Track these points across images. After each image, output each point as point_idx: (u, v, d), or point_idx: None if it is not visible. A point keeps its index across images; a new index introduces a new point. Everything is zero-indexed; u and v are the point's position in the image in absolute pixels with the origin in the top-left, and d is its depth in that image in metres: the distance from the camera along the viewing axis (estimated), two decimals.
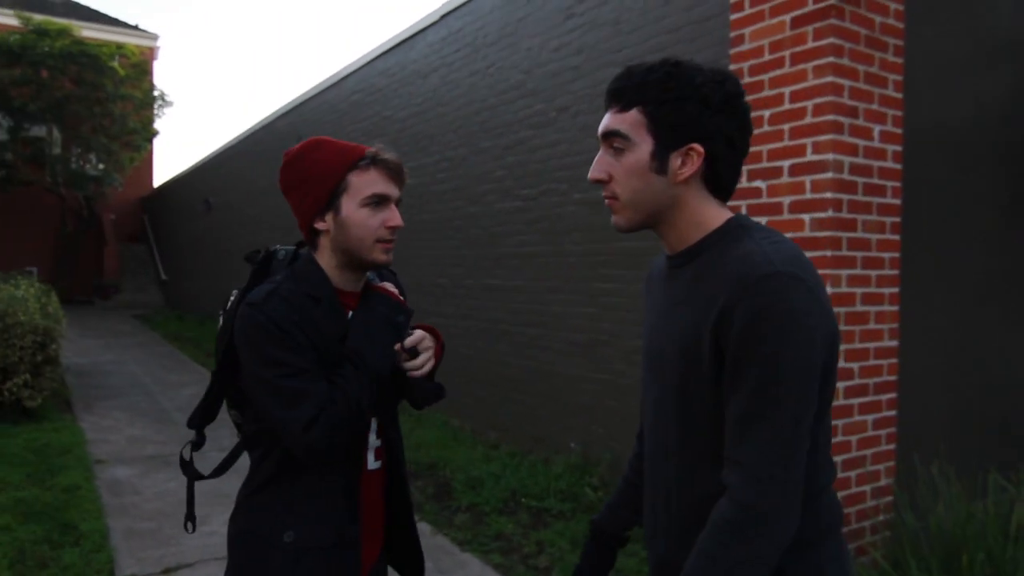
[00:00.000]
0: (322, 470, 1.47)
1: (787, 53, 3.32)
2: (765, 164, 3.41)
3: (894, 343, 3.45)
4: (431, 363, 1.52)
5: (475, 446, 5.61)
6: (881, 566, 2.74)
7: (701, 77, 1.16)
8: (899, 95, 3.42)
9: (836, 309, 3.17)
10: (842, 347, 3.23)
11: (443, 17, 6.44)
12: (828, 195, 3.18)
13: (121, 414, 7.05)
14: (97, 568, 3.49)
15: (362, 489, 1.54)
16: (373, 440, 1.57)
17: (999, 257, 3.92)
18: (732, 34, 3.57)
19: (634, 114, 1.17)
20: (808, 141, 3.24)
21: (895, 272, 3.45)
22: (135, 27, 23.47)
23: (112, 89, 18.18)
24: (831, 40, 3.15)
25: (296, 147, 1.51)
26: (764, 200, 3.42)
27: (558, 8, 5.03)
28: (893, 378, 3.45)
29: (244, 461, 1.59)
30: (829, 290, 3.15)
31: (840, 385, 3.22)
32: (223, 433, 2.24)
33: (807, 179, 3.25)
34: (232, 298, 1.56)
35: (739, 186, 3.65)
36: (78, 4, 23.73)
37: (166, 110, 22.41)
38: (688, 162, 1.16)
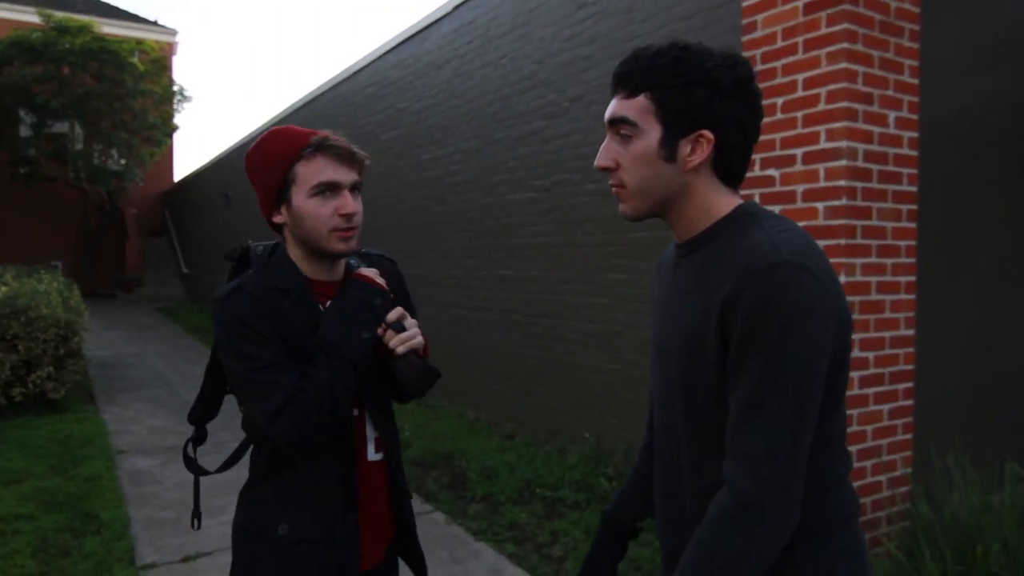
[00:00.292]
0: (315, 462, 1.46)
1: (800, 40, 3.28)
2: (778, 152, 3.37)
3: (910, 332, 3.41)
4: (418, 339, 1.46)
5: (490, 436, 5.64)
6: (895, 557, 2.72)
7: (711, 61, 1.12)
8: (915, 81, 3.36)
9: (850, 298, 3.14)
10: (857, 336, 3.20)
11: (456, 8, 6.43)
12: (842, 183, 3.14)
13: (142, 405, 7.16)
14: (117, 556, 3.56)
15: (363, 480, 1.52)
16: (371, 431, 1.55)
17: (1016, 245, 3.86)
18: (744, 21, 3.53)
19: (641, 100, 1.14)
20: (822, 128, 3.20)
21: (911, 260, 3.40)
22: (154, 23, 23.67)
23: (132, 85, 18.37)
24: (845, 26, 3.11)
25: (257, 140, 1.50)
26: (777, 189, 3.39)
27: None
28: (910, 367, 3.41)
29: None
30: (843, 279, 3.11)
31: (855, 375, 3.19)
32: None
33: (821, 167, 3.21)
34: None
35: (752, 174, 3.63)
36: (98, 1, 23.97)
37: (185, 105, 22.64)
38: (698, 149, 1.13)
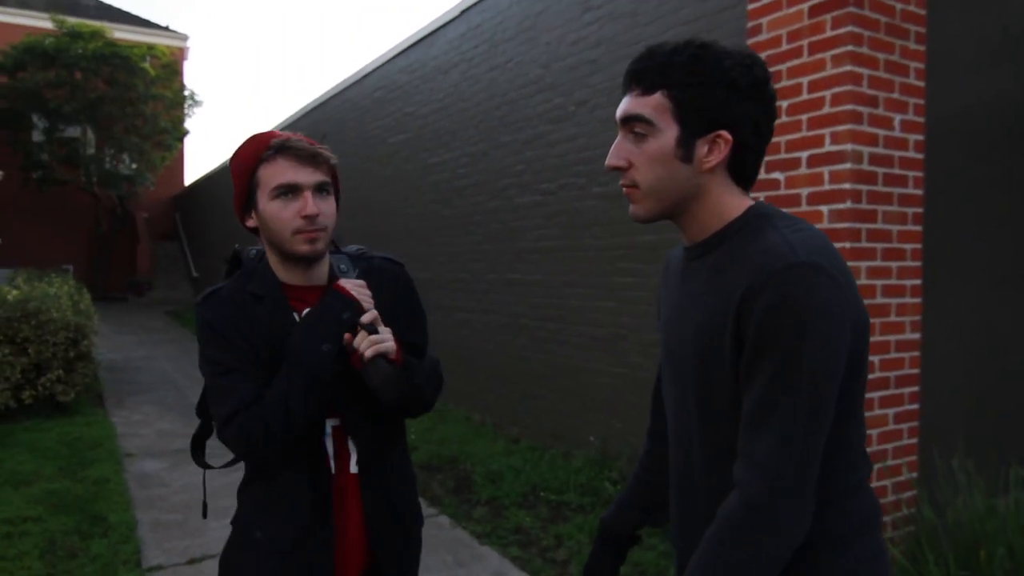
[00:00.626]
0: (289, 471, 1.44)
1: (805, 42, 3.27)
2: (783, 155, 3.36)
3: (916, 336, 3.39)
4: (388, 344, 1.39)
5: (496, 440, 5.64)
6: (899, 562, 2.70)
7: (729, 60, 1.09)
8: (921, 83, 3.35)
9: None
10: None
11: (463, 12, 6.45)
12: (847, 186, 3.13)
13: (151, 408, 7.20)
14: (124, 559, 3.58)
15: (343, 494, 1.48)
16: (352, 444, 1.50)
17: (1022, 245, 3.83)
18: (749, 24, 3.53)
19: (658, 98, 1.10)
20: (826, 131, 3.19)
21: (917, 264, 3.38)
22: (166, 28, 23.86)
23: (144, 89, 18.53)
24: (849, 28, 3.10)
25: None
26: (782, 192, 3.38)
27: (576, 1, 5.01)
28: (915, 371, 3.39)
29: None
30: None
31: None
32: None
33: (825, 170, 3.20)
34: None
35: (757, 177, 3.62)
36: (110, 6, 24.19)
37: (196, 109, 22.78)
38: (715, 149, 1.11)
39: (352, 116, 9.10)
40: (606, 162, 1.17)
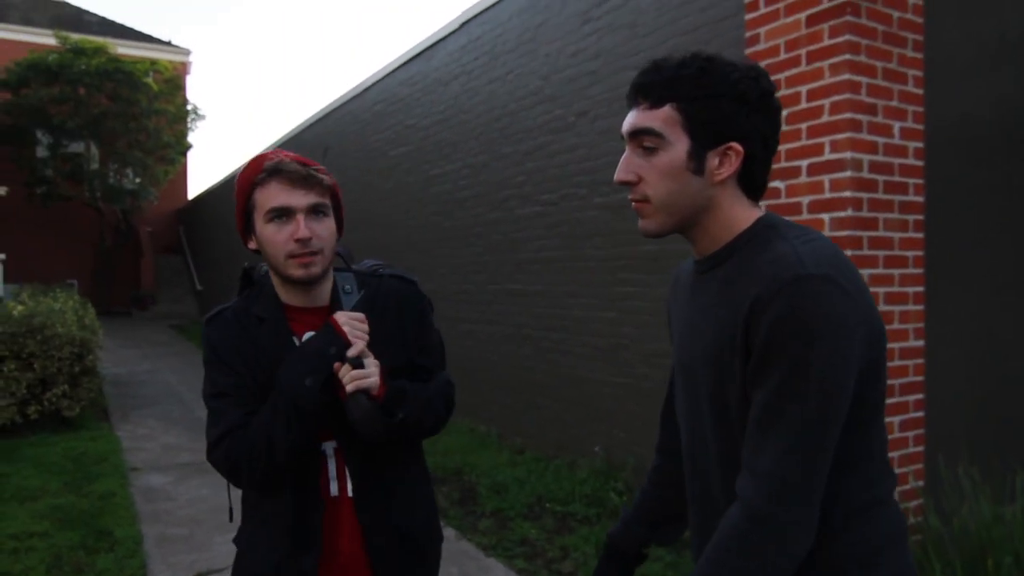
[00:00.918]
0: (275, 495, 1.45)
1: (803, 52, 3.29)
2: (783, 164, 3.37)
3: (920, 343, 3.39)
4: (372, 379, 1.37)
5: (500, 451, 5.63)
6: None
7: (737, 73, 1.10)
8: (919, 91, 3.36)
9: None
10: None
11: (463, 25, 6.49)
12: (847, 194, 3.14)
13: (156, 423, 7.21)
14: (130, 573, 3.58)
15: (339, 516, 1.47)
16: (349, 467, 1.48)
17: (1022, 250, 3.83)
18: (747, 34, 3.55)
19: (667, 111, 1.09)
20: (826, 140, 3.21)
21: (919, 271, 3.39)
22: (168, 43, 24.00)
23: (147, 104, 18.64)
24: (847, 37, 3.11)
25: None
26: (783, 200, 3.39)
27: (575, 13, 5.04)
28: (920, 379, 3.39)
29: None
30: None
31: None
32: None
33: (826, 178, 3.21)
34: None
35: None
36: (113, 22, 24.35)
37: (199, 123, 22.88)
38: (726, 162, 1.10)
39: (353, 129, 9.14)
40: (615, 177, 1.15)
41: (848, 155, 3.12)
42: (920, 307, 3.39)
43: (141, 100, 18.49)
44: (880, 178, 3.22)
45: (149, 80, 18.60)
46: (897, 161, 3.28)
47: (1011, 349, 3.79)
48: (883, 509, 1.10)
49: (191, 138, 21.45)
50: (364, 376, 1.37)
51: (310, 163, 1.44)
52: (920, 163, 3.37)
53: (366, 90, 8.70)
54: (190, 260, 22.20)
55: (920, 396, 3.39)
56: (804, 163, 3.29)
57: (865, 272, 3.19)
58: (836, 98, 3.16)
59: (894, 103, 3.26)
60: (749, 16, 3.54)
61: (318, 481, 1.46)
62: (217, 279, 18.21)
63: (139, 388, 9.24)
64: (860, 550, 1.07)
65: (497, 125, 5.99)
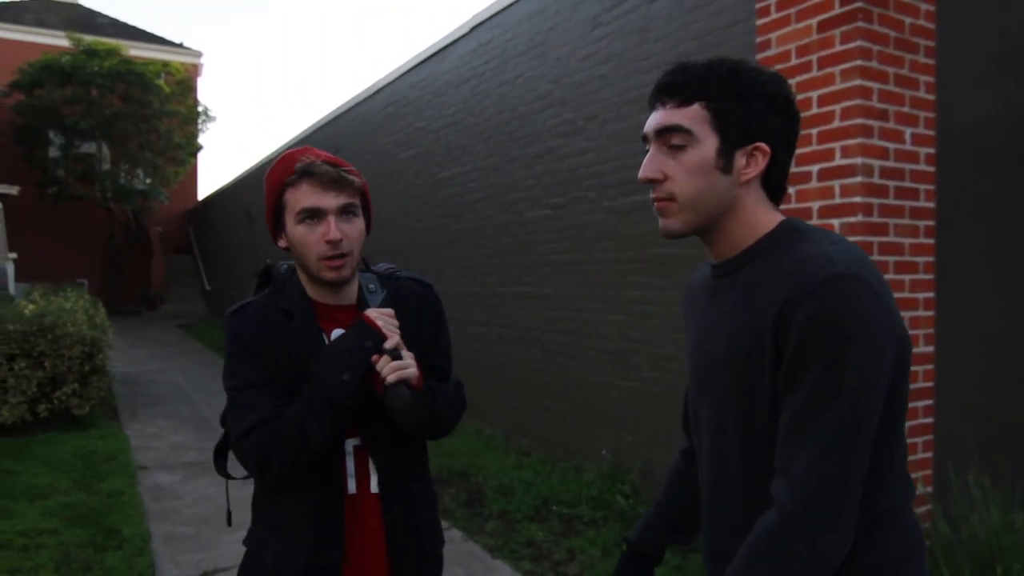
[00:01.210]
0: (298, 493, 1.44)
1: (814, 57, 3.29)
2: (794, 169, 3.34)
3: (930, 349, 3.38)
4: (411, 370, 1.40)
5: (507, 453, 5.64)
6: None
7: (764, 76, 1.12)
8: (931, 97, 3.36)
9: None
10: None
11: (473, 29, 6.51)
12: (858, 199, 3.13)
13: (165, 421, 7.24)
14: (139, 571, 3.60)
15: (362, 513, 1.48)
16: (373, 463, 1.50)
17: None
18: (758, 39, 3.55)
19: (696, 109, 1.10)
20: (836, 145, 3.20)
21: (930, 276, 3.38)
22: (180, 45, 24.17)
23: (158, 106, 18.75)
24: (859, 43, 3.11)
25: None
26: (793, 206, 3.39)
27: (586, 17, 5.06)
28: (930, 384, 3.38)
29: None
30: None
31: None
32: None
33: (836, 184, 3.21)
34: None
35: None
36: (125, 24, 24.54)
37: (209, 125, 23.01)
38: (753, 162, 1.11)
39: (364, 131, 9.18)
40: (640, 175, 1.14)
41: (859, 160, 3.12)
42: (930, 313, 3.38)
43: (153, 101, 18.60)
44: (891, 183, 3.21)
45: (161, 82, 18.72)
46: (908, 167, 3.28)
47: (1022, 356, 3.77)
48: (903, 519, 1.09)
49: (201, 139, 21.58)
50: (404, 367, 1.38)
51: (340, 163, 1.45)
52: (931, 169, 3.36)
53: (377, 92, 8.74)
54: (199, 260, 22.31)
55: (930, 402, 3.37)
56: (815, 168, 3.29)
57: None
58: (847, 103, 3.15)
59: (905, 109, 3.26)
60: (760, 21, 3.54)
61: (341, 478, 1.47)
62: (226, 279, 18.29)
63: (148, 387, 9.28)
64: (882, 560, 1.06)
65: (507, 128, 6.00)
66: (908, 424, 3.29)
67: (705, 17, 4.06)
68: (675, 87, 1.12)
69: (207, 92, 57.62)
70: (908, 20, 3.26)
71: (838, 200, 3.20)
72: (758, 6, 3.55)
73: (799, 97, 3.32)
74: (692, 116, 1.10)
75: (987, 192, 3.62)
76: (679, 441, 1.50)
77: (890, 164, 3.21)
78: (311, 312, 1.48)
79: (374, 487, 1.49)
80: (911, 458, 3.30)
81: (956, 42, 3.45)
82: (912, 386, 3.29)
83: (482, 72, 6.38)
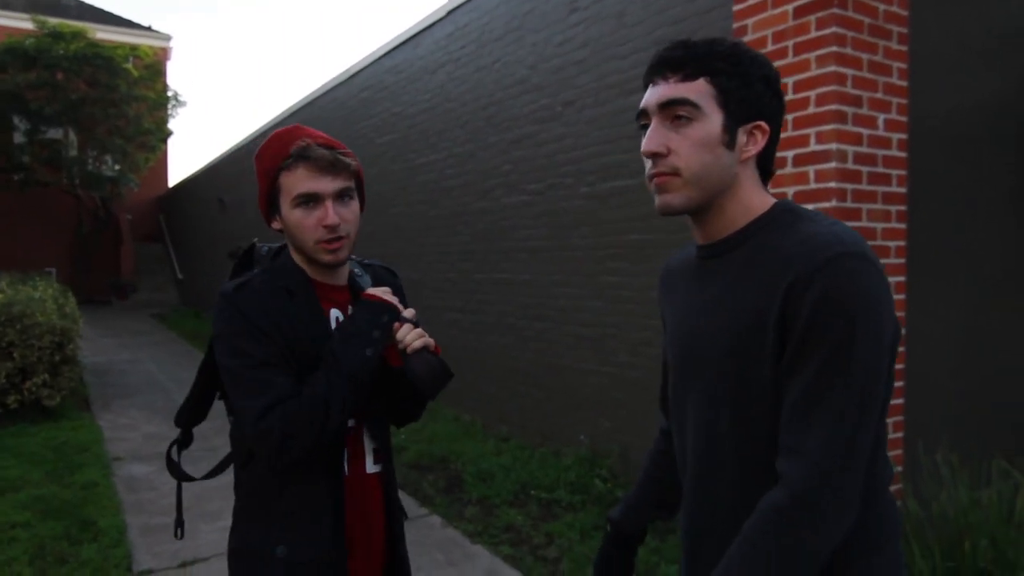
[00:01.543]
0: (305, 479, 1.41)
1: (790, 43, 3.31)
2: None
3: (901, 331, 3.44)
4: (430, 338, 1.45)
5: (486, 439, 5.65)
6: None
7: (761, 58, 1.13)
8: (904, 83, 3.40)
9: None
10: None
11: (450, 13, 6.46)
12: (832, 185, 3.17)
13: (138, 412, 7.15)
14: (115, 563, 3.56)
15: (358, 494, 1.49)
16: (369, 442, 1.52)
17: (1007, 245, 3.90)
18: (735, 25, 3.56)
19: (701, 83, 1.09)
20: (811, 131, 3.23)
21: (901, 261, 3.43)
22: (148, 28, 23.67)
23: (126, 90, 18.37)
24: (833, 29, 3.14)
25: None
26: (768, 191, 3.42)
27: (562, 2, 5.03)
28: (900, 366, 3.44)
29: None
30: None
31: None
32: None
33: (811, 169, 3.24)
34: None
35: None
36: (91, 6, 23.96)
37: (180, 110, 22.61)
38: (752, 141, 1.12)
39: (339, 116, 9.08)
40: (643, 148, 1.13)
41: (833, 146, 3.16)
42: (902, 296, 3.44)
43: (120, 86, 18.22)
44: (864, 169, 3.25)
45: (129, 66, 18.33)
46: (881, 152, 3.32)
47: (991, 339, 3.86)
48: (883, 498, 1.11)
49: (172, 125, 21.23)
50: (424, 334, 1.43)
51: (336, 144, 1.44)
52: (903, 154, 3.41)
53: (352, 76, 8.64)
54: (171, 248, 21.98)
55: (900, 383, 3.44)
56: (790, 154, 3.32)
57: None
58: (822, 90, 3.18)
59: (879, 95, 3.30)
60: (737, 7, 3.55)
61: (342, 461, 1.46)
62: (199, 267, 18.05)
63: (120, 377, 9.16)
64: (874, 534, 1.08)
65: (483, 114, 5.97)
66: None
67: (682, 2, 4.07)
68: (679, 61, 1.12)
69: (177, 77, 56.57)
70: (882, 7, 3.29)
71: (813, 186, 3.23)
72: None
73: None
74: (698, 90, 1.10)
75: (958, 178, 3.69)
76: (658, 423, 1.51)
77: (863, 150, 3.25)
78: (312, 290, 1.47)
79: (370, 467, 1.51)
80: None
81: (928, 29, 3.50)
82: None
83: (458, 57, 6.33)
